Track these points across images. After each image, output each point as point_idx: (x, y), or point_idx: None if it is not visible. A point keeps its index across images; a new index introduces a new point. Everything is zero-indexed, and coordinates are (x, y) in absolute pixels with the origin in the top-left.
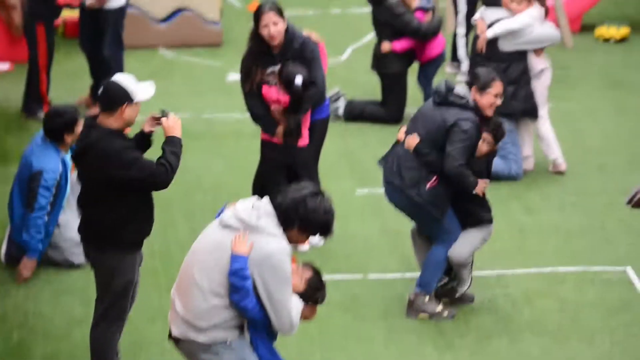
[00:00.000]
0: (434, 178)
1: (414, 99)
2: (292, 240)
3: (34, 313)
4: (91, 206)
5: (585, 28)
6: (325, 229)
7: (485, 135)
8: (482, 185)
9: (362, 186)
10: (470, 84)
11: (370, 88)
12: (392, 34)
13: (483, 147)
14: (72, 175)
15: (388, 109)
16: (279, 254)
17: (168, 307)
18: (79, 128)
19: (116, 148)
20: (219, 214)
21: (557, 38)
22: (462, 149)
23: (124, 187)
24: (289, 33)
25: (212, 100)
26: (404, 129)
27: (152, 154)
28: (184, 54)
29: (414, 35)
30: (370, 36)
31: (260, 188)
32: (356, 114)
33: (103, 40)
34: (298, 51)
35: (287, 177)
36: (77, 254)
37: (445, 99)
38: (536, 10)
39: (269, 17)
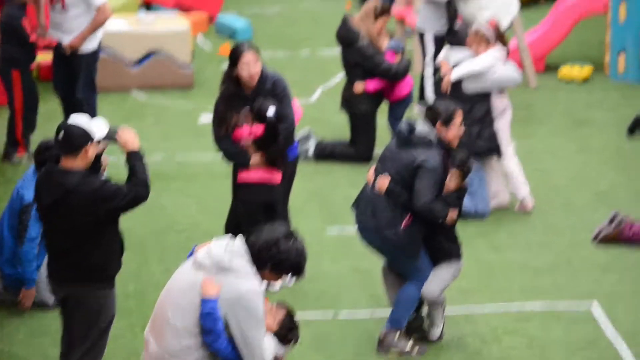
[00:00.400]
0: (408, 216)
1: (384, 139)
2: (264, 280)
3: (8, 354)
4: (75, 249)
5: (549, 68)
6: (297, 270)
7: (454, 172)
8: (453, 215)
9: (332, 225)
10: (432, 120)
11: (339, 128)
12: (363, 75)
13: (451, 182)
14: None
15: (358, 149)
16: (252, 294)
17: (142, 348)
18: None
19: (96, 187)
20: (189, 256)
21: (518, 79)
22: (430, 187)
23: (111, 219)
24: (262, 73)
25: (185, 141)
26: (372, 170)
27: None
28: (156, 97)
29: (385, 76)
30: (339, 77)
31: (233, 228)
32: (326, 154)
33: (76, 84)
34: (270, 90)
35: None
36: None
37: (408, 140)
38: (498, 51)
39: (249, 57)
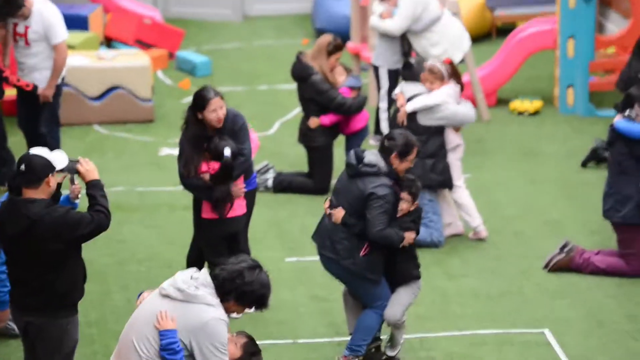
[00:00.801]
0: (365, 245)
1: (341, 171)
2: (228, 311)
3: None
4: (39, 277)
5: (501, 102)
6: (261, 302)
7: (404, 195)
8: (410, 237)
9: (290, 255)
10: (389, 150)
11: (297, 160)
12: (318, 110)
13: (403, 205)
14: None
15: (315, 181)
16: (216, 322)
17: None
18: None
19: (61, 215)
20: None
21: (472, 118)
22: (381, 215)
23: (74, 247)
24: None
25: (145, 174)
26: (328, 202)
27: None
28: (117, 130)
29: (338, 110)
30: (297, 110)
31: (195, 260)
32: (285, 185)
33: (40, 118)
34: (230, 126)
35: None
36: None
37: (357, 170)
38: (451, 88)
39: (217, 102)
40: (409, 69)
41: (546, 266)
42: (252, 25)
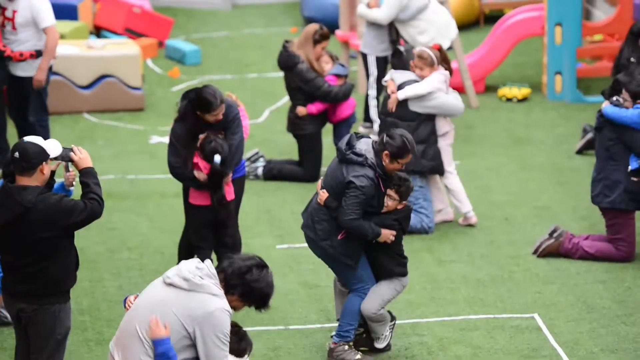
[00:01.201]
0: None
1: (330, 158)
2: (230, 306)
3: None
4: (32, 264)
5: (489, 89)
6: (264, 301)
7: (389, 192)
8: (387, 234)
9: (281, 242)
10: (382, 147)
11: (287, 148)
12: (305, 98)
13: (389, 202)
14: None
15: (305, 168)
16: (221, 312)
17: None
18: None
19: (55, 202)
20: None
21: (460, 110)
22: (355, 204)
23: (69, 233)
24: None
25: (136, 162)
26: (320, 183)
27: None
28: (107, 119)
29: (325, 99)
30: (286, 98)
31: (187, 247)
32: (275, 173)
33: (28, 107)
34: (223, 117)
35: (213, 232)
36: None
37: (344, 156)
38: (441, 75)
39: (221, 109)
40: (398, 57)
41: (535, 251)
42: (241, 13)
